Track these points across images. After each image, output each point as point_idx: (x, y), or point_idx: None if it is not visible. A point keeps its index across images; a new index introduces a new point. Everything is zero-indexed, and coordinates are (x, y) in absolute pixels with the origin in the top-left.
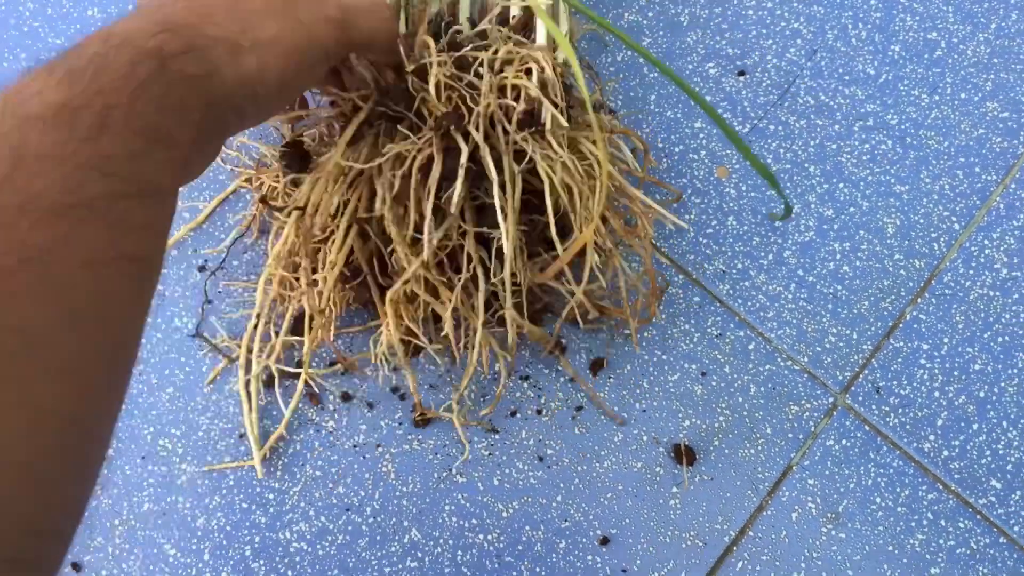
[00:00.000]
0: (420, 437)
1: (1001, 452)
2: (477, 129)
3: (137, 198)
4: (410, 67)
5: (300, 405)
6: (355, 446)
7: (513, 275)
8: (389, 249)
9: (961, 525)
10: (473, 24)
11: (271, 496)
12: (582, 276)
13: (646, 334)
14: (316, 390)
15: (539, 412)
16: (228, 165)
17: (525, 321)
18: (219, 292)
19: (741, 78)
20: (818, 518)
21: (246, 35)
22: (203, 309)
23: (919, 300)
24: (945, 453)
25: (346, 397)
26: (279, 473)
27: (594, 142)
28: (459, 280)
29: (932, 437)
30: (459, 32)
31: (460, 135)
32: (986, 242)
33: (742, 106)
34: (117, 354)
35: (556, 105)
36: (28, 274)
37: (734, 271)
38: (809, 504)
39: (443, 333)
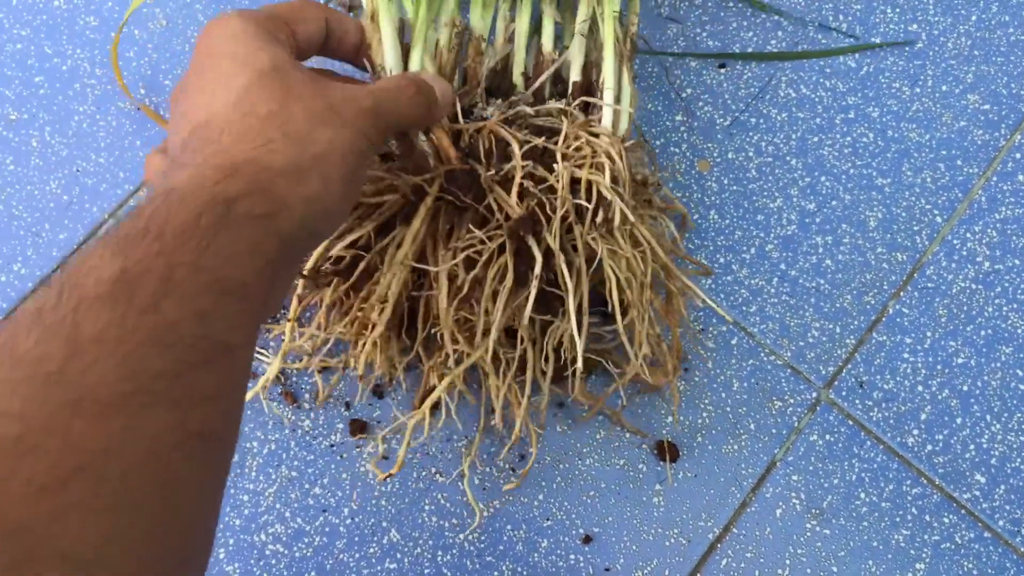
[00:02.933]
0: (399, 437)
1: (985, 446)
2: (554, 237)
3: (204, 366)
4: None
5: (276, 404)
6: (332, 446)
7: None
8: (408, 304)
9: (946, 520)
10: (526, 78)
11: (245, 498)
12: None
13: None
14: (291, 388)
15: None
16: None
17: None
18: None
19: (722, 71)
20: (802, 514)
21: (305, 153)
22: None
23: (902, 294)
24: (929, 447)
25: None
26: (253, 474)
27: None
28: (505, 365)
29: (916, 431)
30: (515, 100)
31: (532, 238)
32: (968, 235)
33: (723, 99)
34: (187, 546)
35: (624, 200)
36: (81, 485)
37: (716, 266)
38: (793, 500)
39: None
